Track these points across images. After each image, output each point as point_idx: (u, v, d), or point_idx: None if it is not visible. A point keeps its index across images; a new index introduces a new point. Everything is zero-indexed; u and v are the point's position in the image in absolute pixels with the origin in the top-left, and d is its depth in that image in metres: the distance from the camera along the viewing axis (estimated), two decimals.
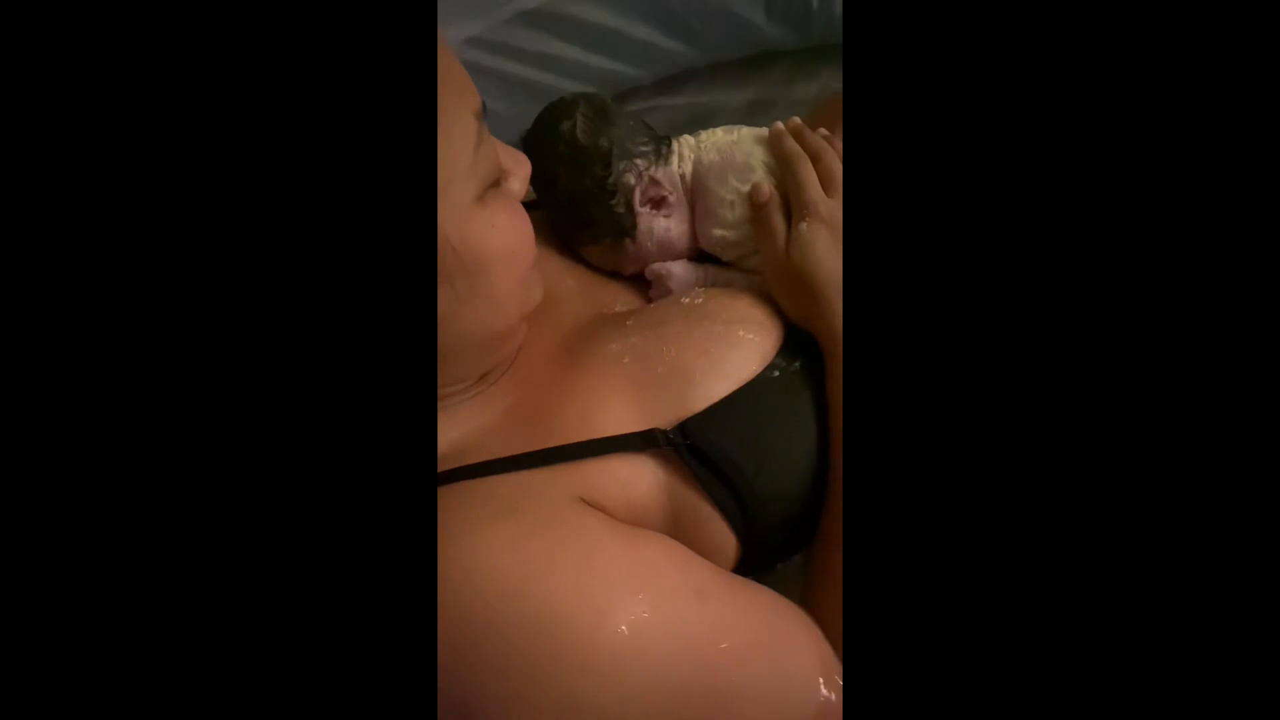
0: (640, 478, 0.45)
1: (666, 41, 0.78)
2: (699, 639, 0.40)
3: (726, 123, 0.75)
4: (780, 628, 0.43)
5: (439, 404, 0.48)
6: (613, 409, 0.46)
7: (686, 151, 0.58)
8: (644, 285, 0.60)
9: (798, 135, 0.56)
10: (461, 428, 0.47)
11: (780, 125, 0.57)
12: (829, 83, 0.83)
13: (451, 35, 0.68)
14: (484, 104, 0.42)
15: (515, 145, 0.51)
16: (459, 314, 0.42)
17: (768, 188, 0.54)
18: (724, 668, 0.40)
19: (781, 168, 0.54)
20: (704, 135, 0.59)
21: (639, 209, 0.57)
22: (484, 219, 0.41)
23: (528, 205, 0.46)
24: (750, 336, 0.49)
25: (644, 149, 0.57)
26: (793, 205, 0.53)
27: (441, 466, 0.44)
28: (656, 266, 0.58)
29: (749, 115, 0.83)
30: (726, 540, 0.46)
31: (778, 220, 0.53)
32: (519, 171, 0.46)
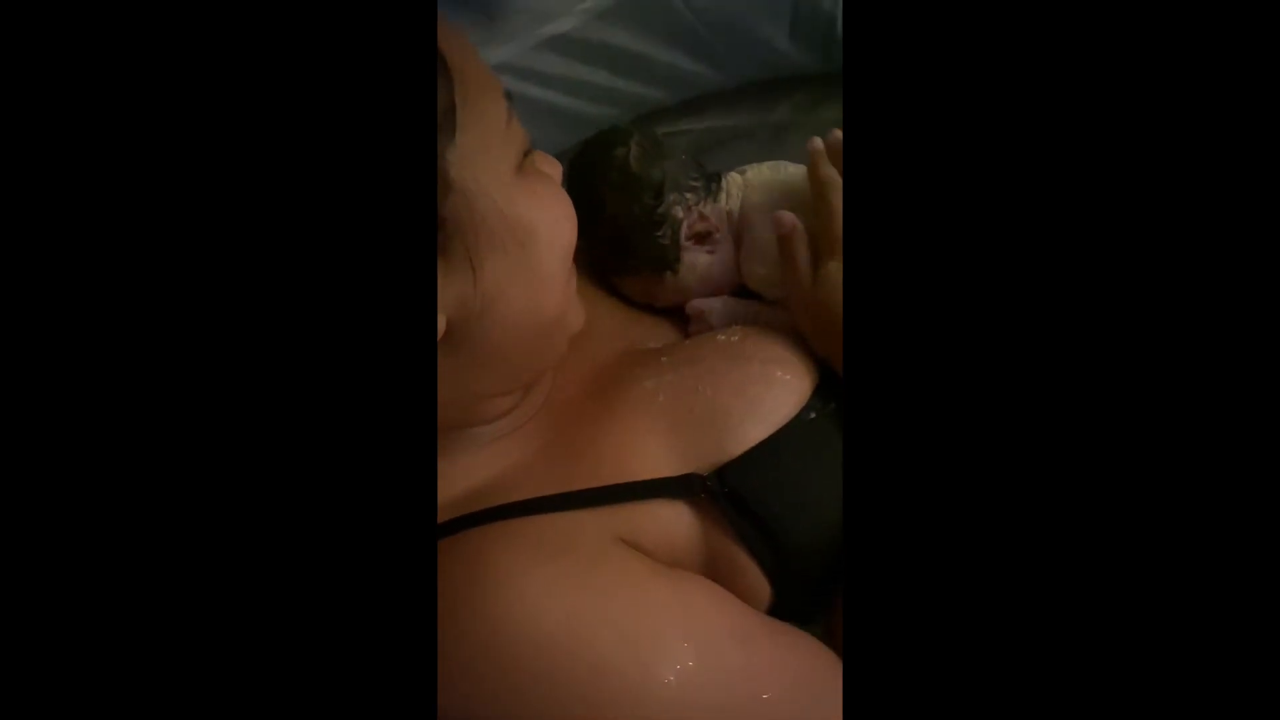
0: (679, 522, 0.45)
1: (691, 65, 0.77)
2: (743, 688, 0.40)
3: (750, 145, 0.75)
4: (821, 675, 0.43)
5: (476, 429, 0.47)
6: (650, 450, 0.45)
7: (735, 190, 0.58)
8: (678, 319, 0.60)
9: (836, 155, 0.53)
10: (497, 464, 0.47)
11: (819, 143, 0.54)
12: None
13: None
14: (508, 90, 0.41)
15: None
16: (508, 292, 0.41)
17: (790, 218, 0.52)
18: (766, 715, 0.40)
19: (814, 195, 0.53)
20: (751, 173, 0.59)
21: (684, 242, 0.56)
22: (525, 188, 0.41)
23: None
24: (787, 377, 0.48)
25: (694, 183, 0.57)
26: (821, 238, 0.51)
27: (479, 505, 0.44)
28: (698, 303, 0.58)
29: (773, 139, 0.83)
30: (761, 588, 0.46)
31: (802, 254, 0.52)
32: (554, 173, 0.45)
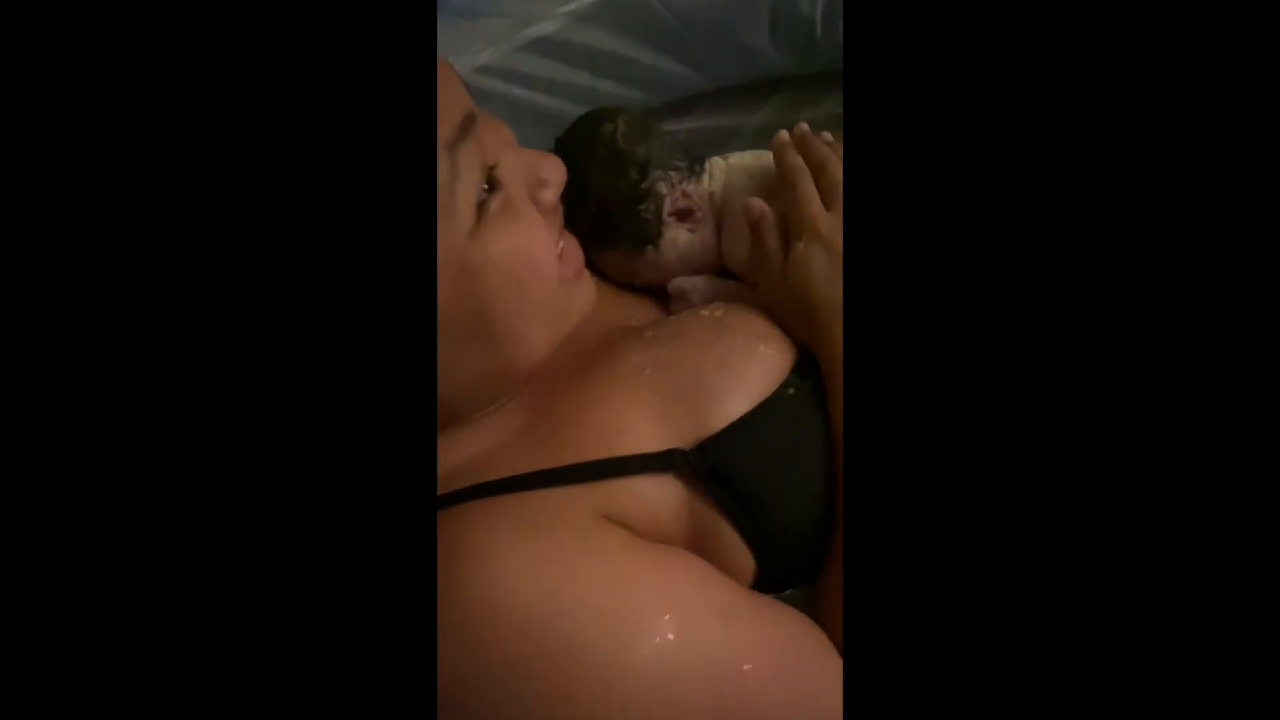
0: (663, 497, 0.44)
1: (673, 67, 0.78)
2: (724, 662, 0.39)
3: (736, 147, 0.76)
4: (804, 648, 0.43)
5: (465, 420, 0.48)
6: (635, 424, 0.45)
7: (718, 173, 0.59)
8: (659, 299, 0.61)
9: (802, 145, 0.55)
10: (480, 443, 0.46)
11: (785, 135, 0.56)
12: (834, 108, 0.84)
13: (463, 64, 0.69)
14: (469, 115, 0.41)
15: None
16: (514, 334, 0.43)
17: (759, 204, 0.53)
18: (748, 691, 0.39)
19: (780, 183, 0.54)
20: (733, 158, 0.60)
21: (666, 218, 0.57)
22: (483, 242, 0.42)
23: None
24: (769, 352, 0.49)
25: (679, 163, 0.58)
26: (790, 223, 0.52)
27: (459, 483, 0.44)
28: (680, 281, 0.58)
29: (756, 139, 0.84)
30: (744, 560, 0.45)
31: (773, 239, 0.53)
32: (553, 178, 0.46)
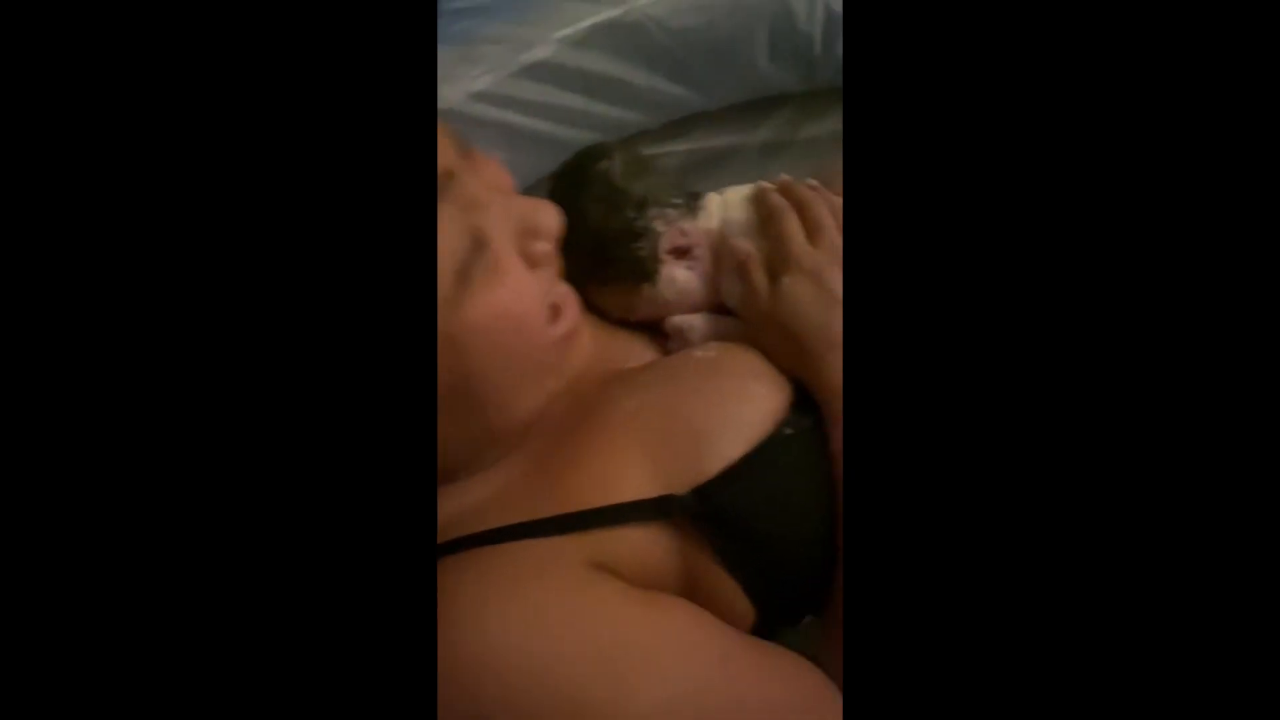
0: (656, 544, 0.44)
1: (671, 88, 0.78)
2: (725, 710, 0.39)
3: (738, 166, 0.76)
4: (803, 692, 0.42)
5: (462, 476, 0.47)
6: (628, 472, 0.45)
7: (715, 209, 0.59)
8: (653, 337, 0.60)
9: (784, 190, 0.56)
10: (476, 492, 0.46)
11: (765, 184, 0.57)
12: (835, 125, 0.84)
13: (458, 90, 0.69)
14: (446, 174, 0.41)
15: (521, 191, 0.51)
16: (501, 405, 0.43)
17: (743, 246, 0.54)
18: None
19: (764, 223, 0.55)
20: (730, 193, 0.60)
21: (663, 256, 0.57)
22: (462, 311, 0.41)
23: None
24: (764, 391, 0.48)
25: (676, 200, 0.58)
26: (776, 260, 0.53)
27: (455, 532, 0.43)
28: (677, 320, 0.58)
29: (761, 158, 0.84)
30: (742, 604, 0.45)
31: (759, 276, 0.53)
32: (547, 228, 0.45)
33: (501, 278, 0.43)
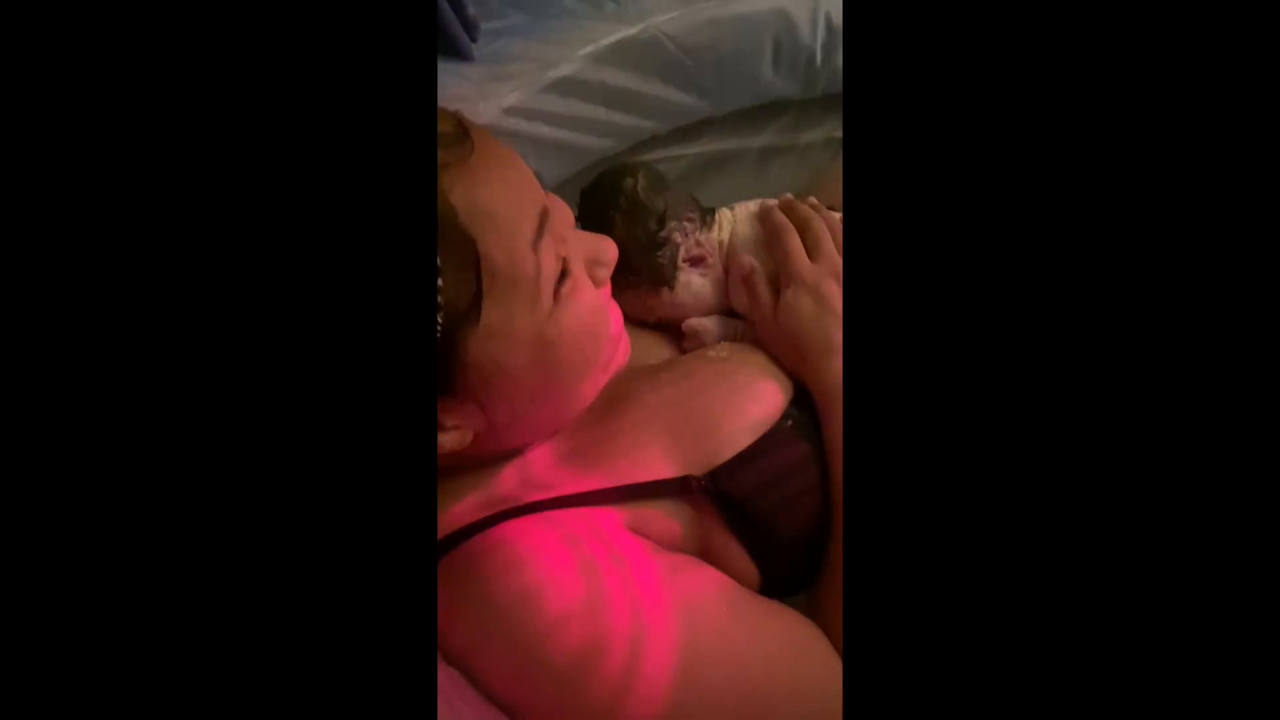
0: (678, 516, 0.53)
1: (681, 97, 0.84)
2: (734, 646, 0.47)
3: (740, 168, 0.82)
4: (804, 637, 0.51)
5: (521, 450, 0.55)
6: (654, 455, 0.54)
7: (725, 223, 0.66)
8: (671, 337, 0.67)
9: (786, 209, 0.64)
10: (529, 469, 0.55)
11: (769, 201, 0.65)
12: (831, 131, 0.90)
13: (492, 106, 0.74)
14: (543, 211, 0.48)
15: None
16: (572, 389, 0.51)
17: (748, 260, 0.63)
18: (756, 670, 0.47)
19: (768, 240, 0.63)
20: (739, 208, 0.67)
21: (680, 264, 0.64)
22: (557, 320, 0.49)
23: None
24: (769, 388, 0.58)
25: (692, 214, 0.65)
26: (779, 274, 0.61)
27: (511, 504, 0.52)
28: (693, 322, 0.65)
29: (760, 161, 0.90)
30: (749, 570, 0.54)
31: (763, 290, 0.62)
32: (607, 259, 0.53)
33: (582, 294, 0.51)
